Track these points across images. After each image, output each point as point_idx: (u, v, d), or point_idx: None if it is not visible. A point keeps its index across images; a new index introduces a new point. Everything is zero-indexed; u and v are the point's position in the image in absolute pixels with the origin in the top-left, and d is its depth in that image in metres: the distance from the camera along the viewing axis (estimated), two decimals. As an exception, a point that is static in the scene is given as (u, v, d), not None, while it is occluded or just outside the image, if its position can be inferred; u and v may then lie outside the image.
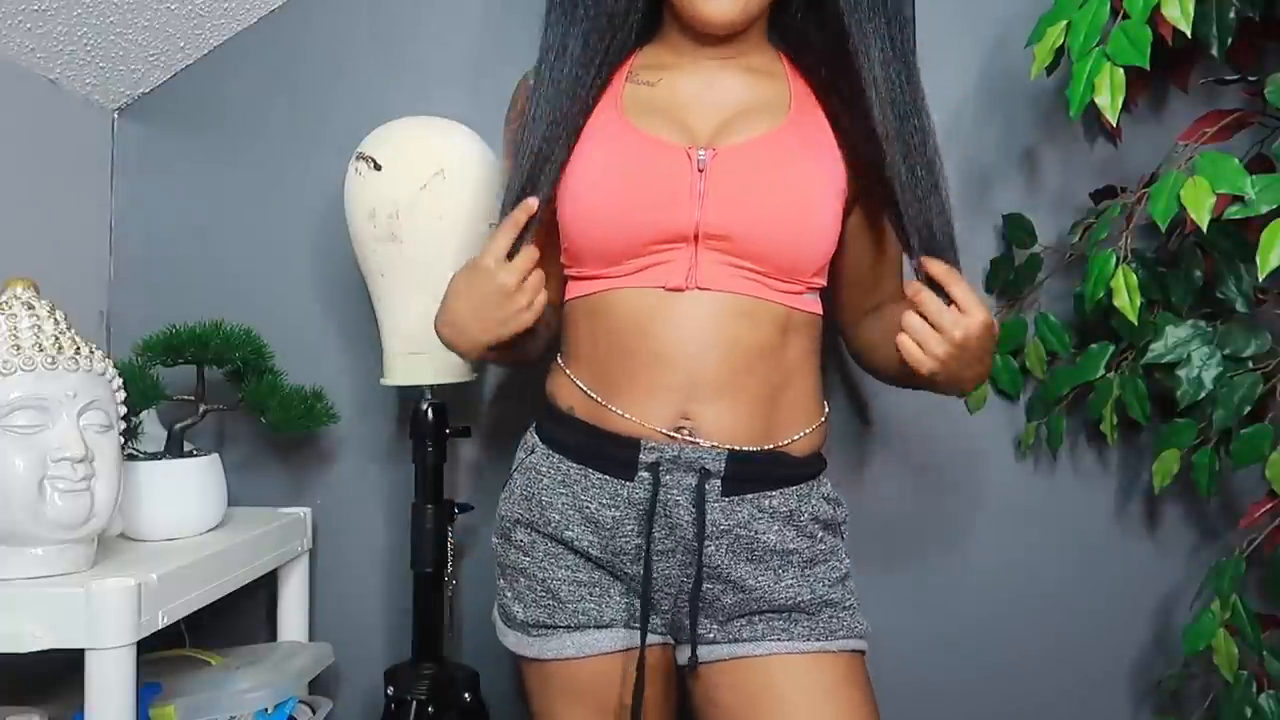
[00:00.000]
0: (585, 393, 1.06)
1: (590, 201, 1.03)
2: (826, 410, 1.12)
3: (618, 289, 1.04)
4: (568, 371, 1.09)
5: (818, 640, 1.03)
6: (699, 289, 1.01)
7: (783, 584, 1.03)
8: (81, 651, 1.00)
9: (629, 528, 1.03)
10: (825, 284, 1.09)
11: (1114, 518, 1.49)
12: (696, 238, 1.01)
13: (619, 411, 1.03)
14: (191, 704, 1.19)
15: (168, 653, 1.32)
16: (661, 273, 1.02)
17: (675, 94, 1.08)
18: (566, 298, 1.10)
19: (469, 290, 1.03)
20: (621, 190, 1.02)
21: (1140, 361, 1.30)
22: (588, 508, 1.04)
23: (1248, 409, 1.23)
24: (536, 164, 1.04)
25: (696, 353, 1.01)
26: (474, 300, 1.03)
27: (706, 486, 1.01)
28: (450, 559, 1.40)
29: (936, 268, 0.97)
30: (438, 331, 1.08)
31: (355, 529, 1.55)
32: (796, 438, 1.06)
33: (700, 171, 1.01)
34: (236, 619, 1.53)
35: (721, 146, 1.03)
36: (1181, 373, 1.26)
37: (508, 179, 1.10)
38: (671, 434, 1.01)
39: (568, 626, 1.06)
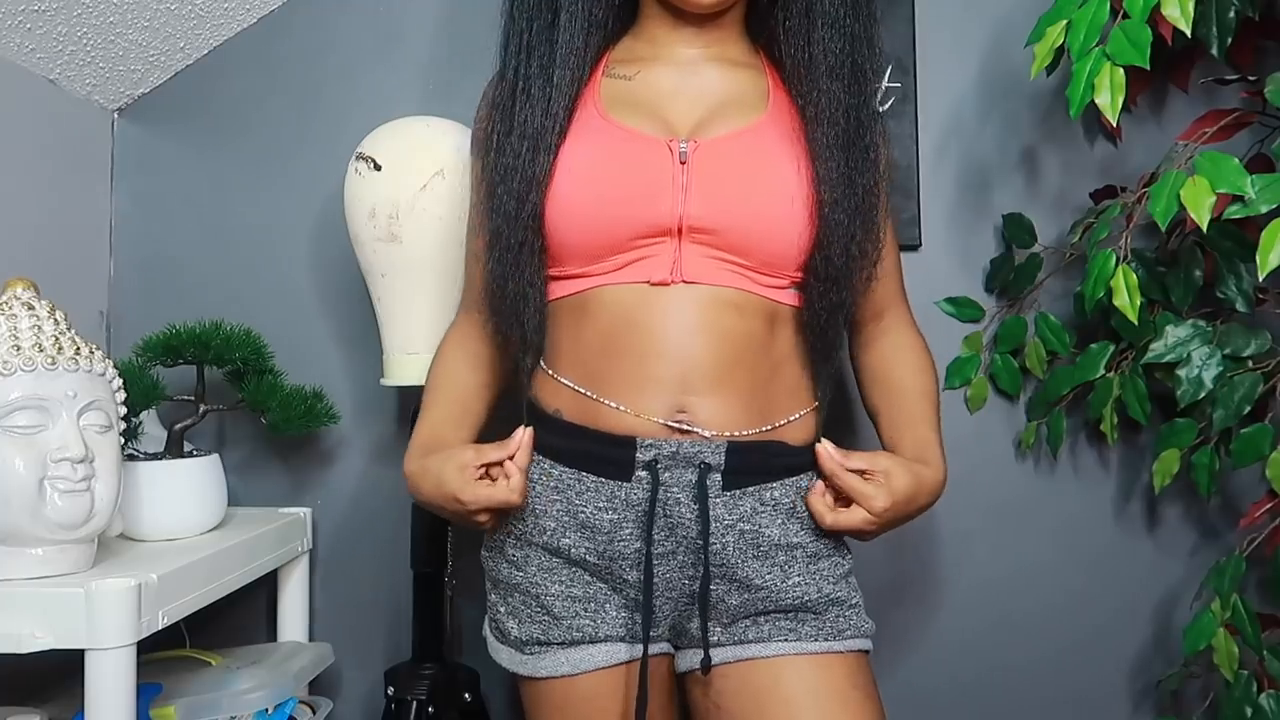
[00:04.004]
0: (575, 392, 1.03)
1: (573, 198, 1.01)
2: (818, 397, 1.10)
3: (602, 286, 1.02)
4: (552, 373, 1.06)
5: (825, 640, 1.02)
6: (684, 282, 1.00)
7: (790, 581, 1.02)
8: (81, 652, 1.00)
9: (627, 531, 1.01)
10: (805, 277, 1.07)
11: (1114, 518, 1.49)
12: (680, 231, 1.00)
13: (613, 405, 1.01)
14: (192, 704, 1.19)
15: (168, 653, 1.32)
16: (646, 267, 1.01)
17: (653, 87, 1.07)
18: (549, 298, 1.07)
19: (437, 490, 1.02)
20: (604, 185, 1.01)
21: (1140, 361, 1.30)
22: (583, 512, 1.02)
23: (1248, 409, 1.22)
24: (527, 184, 1.02)
25: (687, 344, 1.00)
26: (437, 500, 1.03)
27: (707, 482, 1.00)
28: (450, 559, 1.40)
29: (826, 464, 1.02)
30: (406, 472, 1.08)
31: (355, 529, 1.55)
32: (793, 418, 1.05)
33: (682, 164, 1.00)
34: (236, 619, 1.52)
35: (703, 139, 1.02)
36: (1181, 373, 1.26)
37: (480, 179, 1.09)
38: (670, 425, 1.00)
39: (562, 643, 1.04)
